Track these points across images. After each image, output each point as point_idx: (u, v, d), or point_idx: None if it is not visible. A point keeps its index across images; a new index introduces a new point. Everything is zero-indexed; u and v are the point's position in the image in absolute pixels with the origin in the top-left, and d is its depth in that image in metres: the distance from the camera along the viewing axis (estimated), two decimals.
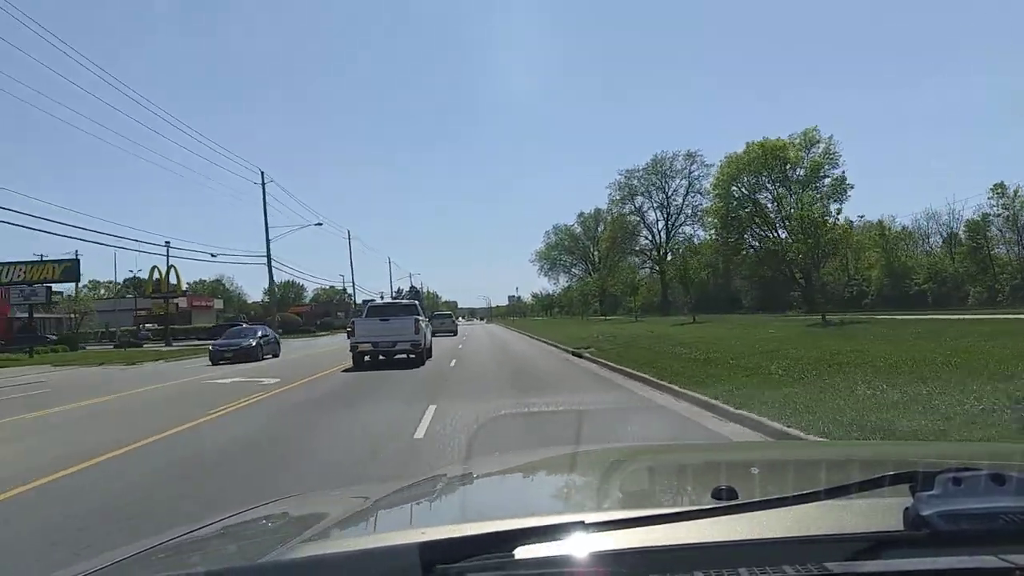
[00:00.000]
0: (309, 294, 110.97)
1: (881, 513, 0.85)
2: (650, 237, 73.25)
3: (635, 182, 72.07)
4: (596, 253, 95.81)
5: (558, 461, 1.71)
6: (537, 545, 0.78)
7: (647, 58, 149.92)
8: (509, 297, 50.03)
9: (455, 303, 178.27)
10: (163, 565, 1.07)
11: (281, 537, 1.11)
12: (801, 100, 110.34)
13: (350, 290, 73.80)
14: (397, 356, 14.99)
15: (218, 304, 70.26)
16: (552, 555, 0.78)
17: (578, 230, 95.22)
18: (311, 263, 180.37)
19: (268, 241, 37.87)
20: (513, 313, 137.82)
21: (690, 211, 69.71)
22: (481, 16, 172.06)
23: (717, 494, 0.99)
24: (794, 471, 1.45)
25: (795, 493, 0.86)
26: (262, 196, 37.53)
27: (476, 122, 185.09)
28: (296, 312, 72.31)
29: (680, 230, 70.52)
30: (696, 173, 68.87)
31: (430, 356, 16.25)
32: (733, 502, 0.92)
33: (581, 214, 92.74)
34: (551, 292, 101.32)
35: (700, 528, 0.81)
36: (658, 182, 71.34)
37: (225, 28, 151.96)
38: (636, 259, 72.43)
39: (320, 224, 40.94)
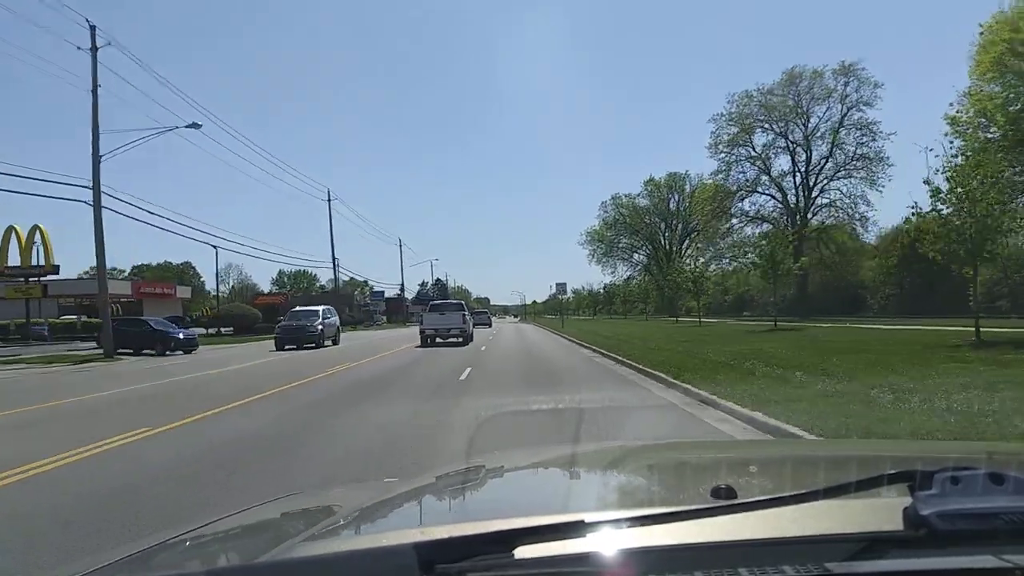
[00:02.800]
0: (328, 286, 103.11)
1: (880, 513, 0.94)
2: (779, 196, 53.78)
3: (753, 109, 51.67)
4: (668, 235, 78.80)
5: (558, 460, 1.93)
6: (537, 544, 0.86)
7: (676, 55, 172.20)
8: (558, 285, 50.83)
9: (487, 299, 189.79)
10: (163, 565, 1.22)
11: (281, 537, 1.26)
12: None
13: (319, 273, 62.22)
14: (449, 339, 25.06)
15: (184, 292, 63.41)
16: (552, 555, 0.86)
17: (644, 203, 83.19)
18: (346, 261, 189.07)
19: (96, 151, 23.97)
20: (552, 311, 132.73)
21: (845, 156, 49.85)
22: (508, 17, 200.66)
23: (716, 493, 1.11)
24: (793, 470, 1.62)
25: (794, 492, 0.96)
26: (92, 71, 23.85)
27: (503, 121, 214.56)
28: (264, 303, 65.03)
29: (829, 186, 51.19)
30: (855, 96, 48.71)
31: (471, 340, 26.30)
32: (732, 501, 1.03)
33: (650, 180, 76.66)
34: (606, 285, 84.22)
35: (699, 527, 0.91)
36: (793, 110, 50.90)
37: (244, 29, 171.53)
38: (749, 230, 54.88)
39: (199, 126, 28.11)
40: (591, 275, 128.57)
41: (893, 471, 1.01)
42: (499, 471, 1.73)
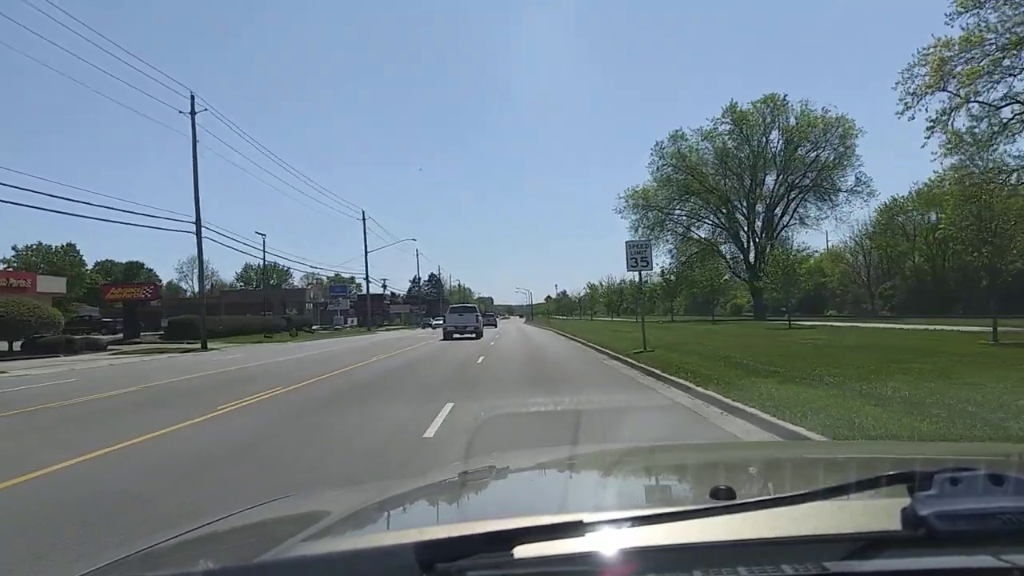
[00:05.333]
0: (297, 282, 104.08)
1: (879, 513, 1.04)
2: None
3: None
4: (751, 195, 53.25)
5: (557, 461, 2.06)
6: (536, 544, 0.95)
7: (677, 55, 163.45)
8: (631, 248, 23.35)
9: (490, 299, 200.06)
10: (163, 565, 1.32)
11: (280, 537, 1.35)
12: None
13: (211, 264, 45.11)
14: (465, 335, 38.94)
15: (56, 286, 48.40)
16: (551, 554, 0.95)
17: (707, 147, 63.23)
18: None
19: None
20: (566, 310, 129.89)
21: None
22: (508, 16, 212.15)
23: (716, 494, 1.21)
24: (792, 471, 1.71)
25: (793, 493, 1.07)
26: None
27: (504, 121, 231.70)
28: (120, 297, 49.66)
29: None
30: None
31: (482, 336, 40.05)
32: (731, 502, 1.13)
33: (732, 107, 53.42)
34: (664, 270, 59.17)
35: (699, 528, 1.01)
36: None
37: (244, 29, 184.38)
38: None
39: None
40: (610, 267, 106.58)
41: (892, 472, 1.10)
42: (498, 472, 1.86)
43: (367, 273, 74.74)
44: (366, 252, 74.20)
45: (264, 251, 57.48)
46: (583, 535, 0.96)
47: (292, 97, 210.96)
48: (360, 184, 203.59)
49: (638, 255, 21.26)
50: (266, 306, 68.73)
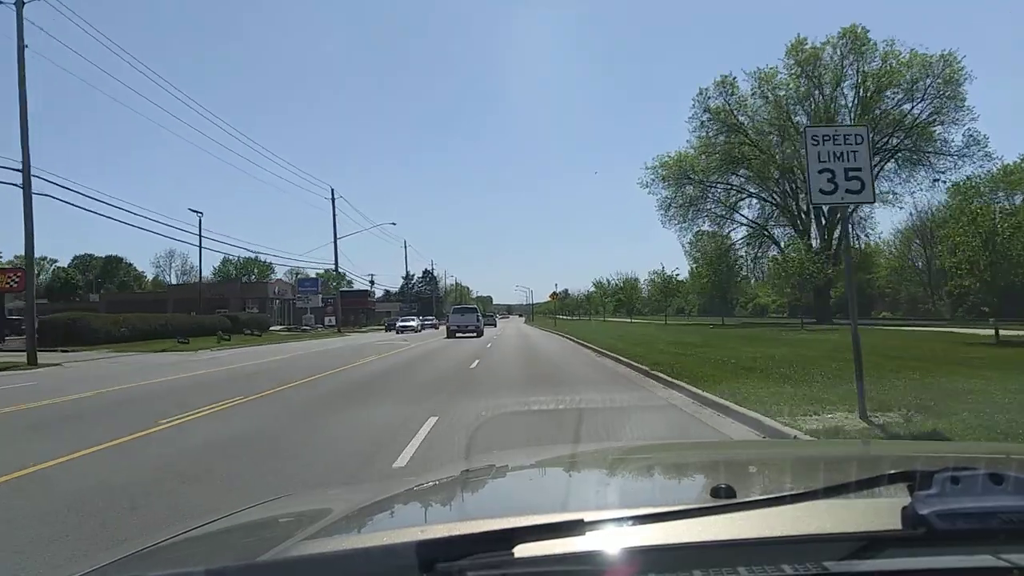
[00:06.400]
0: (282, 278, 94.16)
1: (879, 512, 1.08)
2: None
3: None
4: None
5: (558, 460, 2.12)
6: (536, 543, 0.99)
7: (677, 55, 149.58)
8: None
9: (489, 298, 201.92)
10: (163, 564, 1.36)
11: (281, 536, 1.40)
12: None
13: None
14: (467, 334, 50.49)
15: None
16: (551, 553, 0.99)
17: (759, 103, 50.27)
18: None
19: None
20: (568, 310, 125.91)
21: None
22: (509, 14, 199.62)
23: (716, 493, 1.24)
24: (792, 470, 1.73)
25: (793, 492, 1.12)
26: None
27: (504, 120, 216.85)
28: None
29: None
30: None
31: (482, 334, 50.45)
32: (732, 501, 1.18)
33: (798, 44, 41.49)
34: (703, 255, 46.47)
35: (699, 527, 1.06)
36: None
37: (245, 28, 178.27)
38: None
39: None
40: (612, 265, 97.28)
41: (893, 471, 1.14)
42: (499, 471, 1.88)
43: (336, 262, 66.83)
44: (335, 238, 64.90)
45: (200, 235, 47.39)
46: (584, 534, 0.99)
47: (293, 97, 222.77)
48: (358, 183, 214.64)
49: (841, 165, 7.34)
50: (219, 303, 58.67)
